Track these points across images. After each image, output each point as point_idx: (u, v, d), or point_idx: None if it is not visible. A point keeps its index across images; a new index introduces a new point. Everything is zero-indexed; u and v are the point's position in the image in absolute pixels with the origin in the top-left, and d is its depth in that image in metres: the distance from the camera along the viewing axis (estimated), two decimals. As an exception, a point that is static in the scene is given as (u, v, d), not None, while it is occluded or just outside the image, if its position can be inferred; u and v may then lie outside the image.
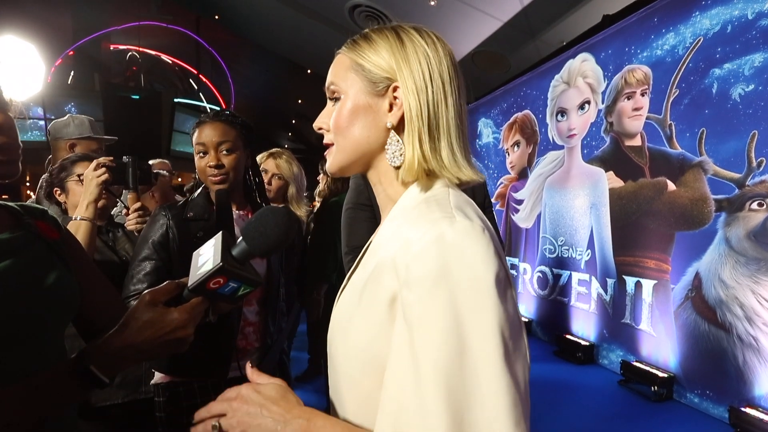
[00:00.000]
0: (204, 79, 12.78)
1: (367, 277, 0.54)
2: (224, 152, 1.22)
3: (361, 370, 0.52)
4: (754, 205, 2.61)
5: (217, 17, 10.76)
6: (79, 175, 1.45)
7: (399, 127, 0.57)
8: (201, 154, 1.23)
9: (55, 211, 1.49)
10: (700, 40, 2.97)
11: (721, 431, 2.60)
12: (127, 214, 1.49)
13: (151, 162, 2.75)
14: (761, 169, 2.59)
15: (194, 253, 0.68)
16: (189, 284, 0.65)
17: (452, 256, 0.46)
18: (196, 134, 1.24)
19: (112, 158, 1.39)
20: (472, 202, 0.57)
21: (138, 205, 1.49)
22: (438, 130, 0.56)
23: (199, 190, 1.30)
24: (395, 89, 0.57)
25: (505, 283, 0.48)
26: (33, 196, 2.01)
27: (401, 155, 0.57)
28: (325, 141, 0.62)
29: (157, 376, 1.23)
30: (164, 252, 1.19)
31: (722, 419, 2.68)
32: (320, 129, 0.62)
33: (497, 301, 0.45)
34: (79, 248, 0.85)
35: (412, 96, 0.55)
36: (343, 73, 0.59)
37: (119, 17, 11.16)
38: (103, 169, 1.33)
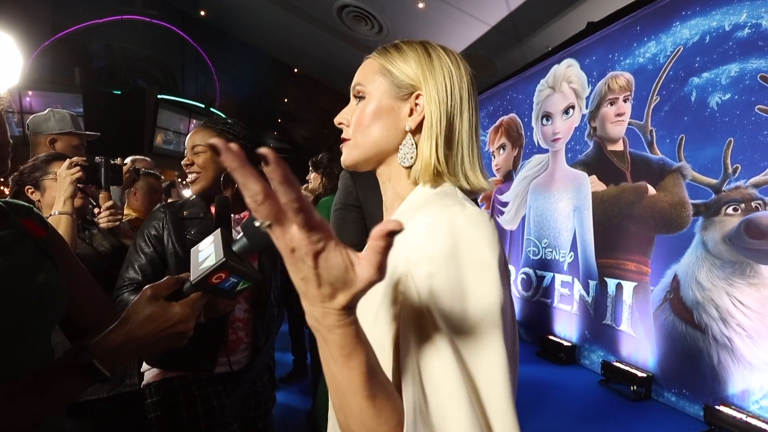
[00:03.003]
0: (188, 76, 12.59)
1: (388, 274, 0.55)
2: (196, 153, 1.30)
3: (388, 358, 0.53)
4: (730, 210, 2.69)
5: (202, 13, 10.63)
6: (55, 174, 1.44)
7: (415, 131, 0.62)
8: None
9: None
10: (680, 49, 3.06)
11: (696, 429, 2.67)
12: (99, 213, 1.54)
13: (129, 159, 2.71)
14: (736, 175, 2.68)
15: (193, 249, 0.69)
16: (191, 279, 0.66)
17: (462, 236, 0.50)
18: (186, 140, 1.35)
19: (85, 158, 1.43)
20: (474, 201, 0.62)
21: (110, 203, 1.55)
22: (452, 139, 0.61)
23: None
24: (417, 96, 0.62)
25: (504, 268, 0.52)
26: (6, 192, 1.97)
27: (412, 157, 0.62)
28: (343, 135, 0.66)
29: (148, 376, 1.23)
30: (160, 245, 1.26)
31: (698, 417, 2.76)
32: (341, 123, 0.66)
33: (497, 281, 0.50)
34: (65, 246, 0.85)
35: (434, 105, 0.61)
36: (371, 76, 0.64)
37: (101, 11, 10.92)
38: (77, 168, 1.37)
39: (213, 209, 1.32)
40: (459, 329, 0.48)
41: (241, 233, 0.65)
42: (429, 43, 0.65)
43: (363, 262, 0.38)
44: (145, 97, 10.70)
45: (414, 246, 0.52)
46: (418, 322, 0.50)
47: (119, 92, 10.48)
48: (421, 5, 5.77)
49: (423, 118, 0.61)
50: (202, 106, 11.99)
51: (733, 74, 2.71)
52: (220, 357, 1.24)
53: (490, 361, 0.48)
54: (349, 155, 0.65)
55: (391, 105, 0.62)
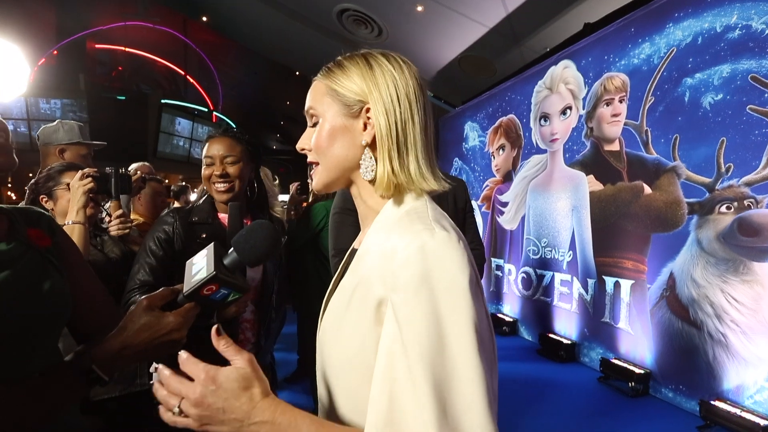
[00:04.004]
0: (191, 81, 12.71)
1: (356, 284, 0.60)
2: (229, 163, 1.34)
3: (350, 366, 0.59)
4: (723, 209, 2.74)
5: (204, 19, 10.72)
6: (67, 184, 1.52)
7: (373, 144, 0.63)
8: (207, 165, 1.36)
9: None
10: (673, 50, 3.10)
11: (692, 424, 2.72)
12: (110, 221, 1.61)
13: (133, 166, 2.79)
14: (729, 174, 2.72)
15: (187, 262, 0.73)
16: (184, 290, 0.70)
17: (433, 263, 0.52)
18: (206, 148, 1.37)
19: (96, 169, 1.50)
20: (446, 214, 0.64)
21: (120, 212, 1.62)
22: (406, 146, 0.62)
23: (204, 197, 1.42)
24: (368, 110, 0.62)
25: (476, 287, 0.54)
26: (14, 197, 2.05)
27: (373, 170, 0.63)
28: (309, 159, 0.67)
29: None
30: (170, 249, 1.31)
31: (694, 412, 2.80)
32: (303, 150, 0.68)
33: (471, 302, 0.52)
34: (74, 252, 0.89)
35: (382, 117, 0.61)
36: (320, 98, 0.65)
37: (105, 17, 11.05)
38: (89, 179, 1.43)
39: (220, 215, 1.39)
40: (435, 354, 0.50)
41: (232, 248, 0.70)
42: (370, 53, 0.65)
43: (230, 363, 0.56)
44: (148, 101, 10.81)
45: (388, 273, 0.55)
46: (392, 350, 0.52)
47: (123, 98, 10.60)
48: (419, 8, 5.82)
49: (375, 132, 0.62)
50: (206, 110, 12.09)
51: (725, 75, 2.75)
52: None
53: (467, 383, 0.49)
54: (318, 180, 0.66)
55: (344, 124, 0.63)
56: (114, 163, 1.85)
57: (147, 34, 11.62)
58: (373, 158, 0.63)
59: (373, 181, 0.64)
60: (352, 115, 0.63)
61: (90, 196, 1.44)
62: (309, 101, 0.66)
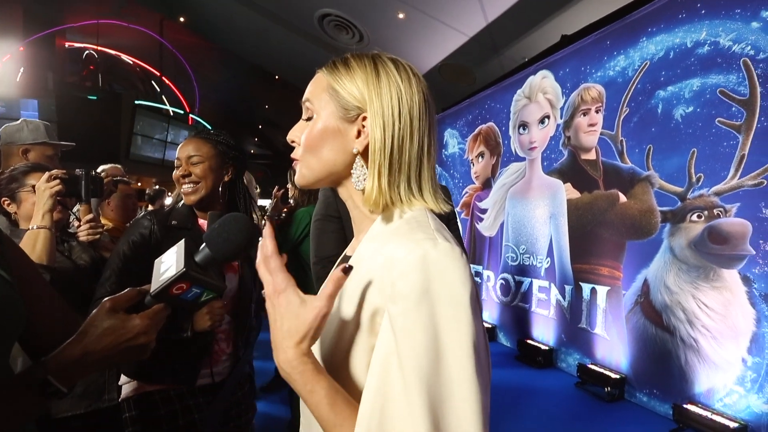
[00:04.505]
0: (167, 82, 12.42)
1: (350, 293, 0.58)
2: (192, 163, 1.29)
3: (339, 378, 0.55)
4: (694, 217, 2.83)
5: (182, 19, 10.52)
6: (33, 186, 1.43)
7: (365, 154, 0.60)
8: (176, 168, 1.31)
9: (1, 221, 1.46)
10: (647, 63, 3.20)
11: (666, 427, 2.78)
12: (79, 226, 1.53)
13: (102, 167, 2.68)
14: (700, 183, 2.82)
15: (156, 260, 0.68)
16: (151, 290, 0.65)
17: (434, 274, 0.50)
18: (178, 151, 1.33)
19: (65, 171, 1.41)
20: (445, 226, 0.61)
21: (90, 216, 1.54)
22: (399, 165, 0.58)
23: (182, 201, 1.35)
24: (364, 119, 0.59)
25: (477, 302, 0.52)
26: None
27: (365, 180, 0.60)
28: (293, 155, 0.64)
29: (126, 390, 1.22)
30: (146, 253, 1.21)
31: (667, 416, 2.86)
32: (293, 142, 0.64)
33: (471, 318, 0.50)
34: (24, 260, 0.80)
35: (378, 130, 0.57)
36: (319, 93, 0.61)
37: (76, 14, 10.70)
38: (57, 181, 1.34)
39: (200, 221, 1.33)
40: (432, 370, 0.48)
41: (204, 243, 0.65)
42: (380, 57, 0.61)
43: (315, 296, 0.51)
44: (121, 102, 10.50)
45: (386, 282, 0.52)
46: (387, 363, 0.50)
47: (95, 97, 10.26)
48: (401, 15, 5.86)
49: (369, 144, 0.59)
50: (182, 112, 11.84)
51: (695, 88, 2.86)
52: (203, 369, 1.24)
53: (463, 402, 0.48)
54: (301, 177, 0.63)
55: (338, 126, 0.60)
56: (84, 165, 1.77)
57: (121, 33, 11.32)
58: (364, 168, 0.60)
59: (363, 191, 0.61)
60: (347, 120, 0.60)
61: (57, 199, 1.35)
62: (307, 93, 0.63)
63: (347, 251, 0.70)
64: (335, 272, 0.51)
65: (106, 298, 0.67)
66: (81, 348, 0.64)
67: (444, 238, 0.54)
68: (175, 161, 1.31)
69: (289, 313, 0.52)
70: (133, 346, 0.66)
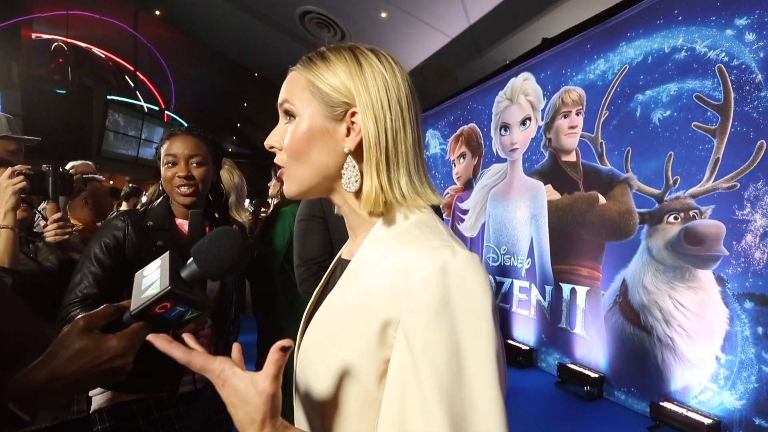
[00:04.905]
0: (141, 77, 12.05)
1: (353, 300, 0.54)
2: (194, 165, 1.23)
3: (344, 392, 0.52)
4: (671, 219, 2.90)
5: (158, 12, 10.22)
6: None
7: (356, 152, 0.56)
8: (170, 165, 1.23)
9: None
10: (626, 67, 3.27)
11: (643, 425, 2.83)
12: (45, 226, 1.43)
13: (72, 164, 2.55)
14: (676, 186, 2.89)
15: (137, 274, 0.63)
16: (132, 308, 0.59)
17: (455, 285, 0.47)
18: (166, 145, 1.25)
19: (30, 166, 1.32)
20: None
21: (58, 215, 1.44)
22: (397, 159, 0.55)
23: (160, 200, 1.28)
24: (353, 114, 0.55)
25: (496, 312, 0.50)
26: None
27: (356, 182, 0.55)
28: (276, 161, 0.59)
29: (98, 401, 1.14)
30: (119, 257, 1.15)
31: (644, 414, 2.92)
32: (272, 148, 0.59)
33: (492, 330, 0.48)
34: None
35: (371, 123, 0.54)
36: (299, 92, 0.56)
37: (44, 4, 10.25)
38: (21, 177, 1.26)
39: (177, 221, 1.27)
40: (453, 386, 0.46)
41: (191, 258, 0.60)
42: (358, 47, 0.57)
43: (261, 375, 0.48)
44: (92, 97, 10.12)
45: (401, 291, 0.49)
46: (404, 380, 0.47)
47: (63, 91, 9.86)
48: (383, 14, 5.84)
49: (362, 138, 0.55)
50: (157, 108, 11.51)
51: (672, 93, 2.93)
52: (185, 375, 1.18)
53: (486, 416, 0.46)
54: (290, 188, 0.58)
55: (325, 126, 0.55)
56: (53, 161, 1.67)
57: (93, 24, 10.90)
58: (357, 168, 0.55)
59: (356, 194, 0.57)
60: (334, 118, 0.55)
61: (22, 196, 1.27)
62: (284, 94, 0.58)
63: (342, 254, 0.66)
64: (275, 353, 0.48)
65: (79, 316, 0.61)
66: (48, 371, 0.58)
67: (461, 246, 0.51)
68: (166, 158, 1.23)
69: (239, 402, 0.49)
70: (108, 368, 0.59)
